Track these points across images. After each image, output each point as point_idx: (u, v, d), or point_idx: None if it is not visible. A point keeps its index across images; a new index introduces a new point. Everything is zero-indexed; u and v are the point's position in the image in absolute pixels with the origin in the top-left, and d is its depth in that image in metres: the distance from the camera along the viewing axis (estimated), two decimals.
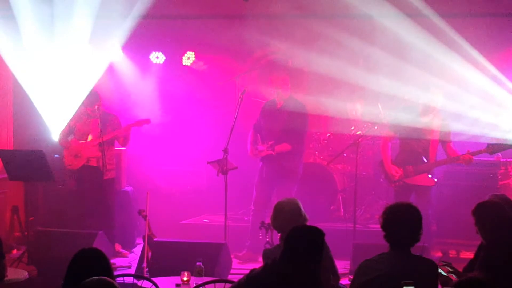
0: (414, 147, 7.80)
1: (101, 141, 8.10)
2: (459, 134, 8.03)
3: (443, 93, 7.83)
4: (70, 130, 8.47)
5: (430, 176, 7.79)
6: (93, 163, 8.30)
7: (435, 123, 7.74)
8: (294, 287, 3.90)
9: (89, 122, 8.40)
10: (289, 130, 8.20)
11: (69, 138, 8.45)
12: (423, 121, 7.73)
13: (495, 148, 7.57)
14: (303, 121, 8.31)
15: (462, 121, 8.24)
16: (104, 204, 8.34)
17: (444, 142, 7.77)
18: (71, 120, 8.50)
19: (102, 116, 8.28)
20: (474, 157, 7.62)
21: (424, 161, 7.78)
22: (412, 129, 7.73)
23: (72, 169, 8.44)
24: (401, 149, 7.98)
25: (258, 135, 8.42)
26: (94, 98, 8.37)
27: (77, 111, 8.53)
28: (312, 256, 3.96)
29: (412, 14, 8.59)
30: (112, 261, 7.62)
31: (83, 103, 8.41)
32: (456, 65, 8.62)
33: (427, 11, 8.47)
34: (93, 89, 8.54)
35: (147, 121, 8.52)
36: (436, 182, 7.84)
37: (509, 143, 7.61)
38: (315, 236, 4.03)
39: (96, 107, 8.24)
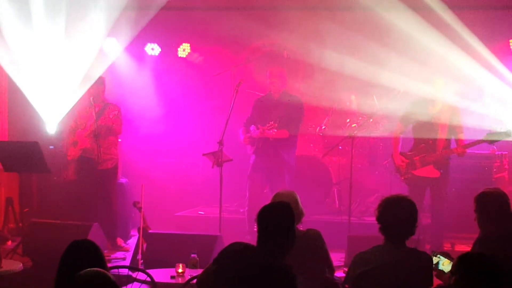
0: (425, 140, 7.77)
1: (89, 131, 8.02)
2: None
3: (447, 86, 7.78)
4: (76, 125, 8.35)
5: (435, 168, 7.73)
6: (88, 154, 8.20)
7: (443, 116, 7.70)
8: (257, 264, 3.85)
9: (90, 110, 8.24)
10: (286, 118, 8.17)
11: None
12: (432, 114, 7.71)
13: (489, 137, 7.50)
14: (299, 113, 8.33)
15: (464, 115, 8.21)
16: (101, 197, 8.22)
17: (455, 135, 7.73)
18: (77, 116, 8.39)
19: (102, 105, 8.18)
20: (467, 150, 7.60)
21: (431, 153, 7.76)
22: (422, 122, 7.71)
23: (71, 159, 8.37)
24: (414, 142, 7.95)
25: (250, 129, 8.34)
26: (101, 85, 8.26)
27: (82, 104, 8.39)
28: (281, 231, 3.92)
29: (414, 7, 8.60)
30: (106, 252, 7.71)
31: (89, 90, 8.27)
32: (460, 57, 8.63)
33: (431, 3, 8.48)
34: (100, 76, 8.44)
35: None
36: (441, 173, 7.74)
37: (504, 131, 7.53)
38: (283, 211, 4.01)
39: (91, 98, 8.13)
